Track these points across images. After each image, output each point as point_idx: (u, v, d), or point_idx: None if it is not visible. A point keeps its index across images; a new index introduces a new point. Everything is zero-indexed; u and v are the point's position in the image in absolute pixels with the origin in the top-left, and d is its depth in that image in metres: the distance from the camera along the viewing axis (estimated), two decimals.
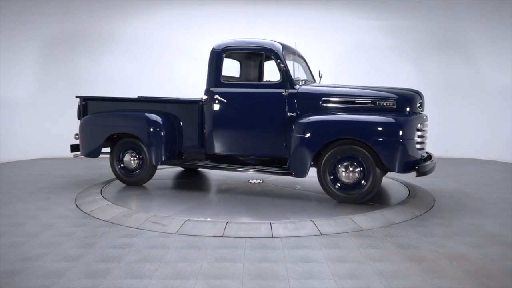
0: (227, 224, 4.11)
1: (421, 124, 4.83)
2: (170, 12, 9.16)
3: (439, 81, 9.22)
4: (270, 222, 4.14)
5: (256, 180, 6.15)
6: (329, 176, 4.88)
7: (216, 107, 5.49)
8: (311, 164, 4.88)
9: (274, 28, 8.71)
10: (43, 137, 8.96)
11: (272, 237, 3.89)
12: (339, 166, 4.83)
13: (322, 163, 4.87)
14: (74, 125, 9.04)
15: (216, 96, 5.47)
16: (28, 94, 8.93)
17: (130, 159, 5.88)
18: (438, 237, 3.89)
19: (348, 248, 3.61)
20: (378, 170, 4.67)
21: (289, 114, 5.08)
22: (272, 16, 9.02)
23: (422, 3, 9.09)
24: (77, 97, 6.30)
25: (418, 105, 4.95)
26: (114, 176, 6.17)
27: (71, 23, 9.04)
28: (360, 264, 3.27)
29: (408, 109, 4.83)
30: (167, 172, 7.02)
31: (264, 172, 5.23)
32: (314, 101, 5.06)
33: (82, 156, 6.22)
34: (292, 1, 9.04)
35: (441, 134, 9.08)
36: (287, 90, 5.09)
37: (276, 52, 5.25)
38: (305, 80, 5.60)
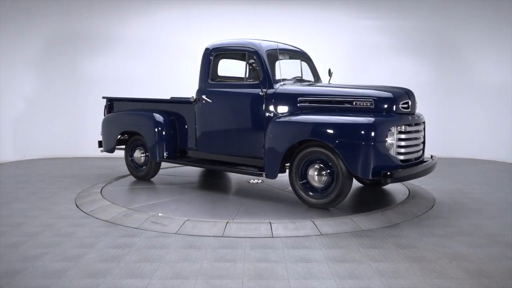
0: (227, 224, 4.12)
1: (405, 125, 4.51)
2: (171, 12, 9.16)
3: (439, 80, 9.22)
4: (270, 222, 4.15)
5: (256, 180, 6.15)
6: (299, 179, 4.72)
7: (203, 107, 5.58)
8: (281, 166, 4.77)
9: (274, 28, 8.71)
10: (43, 137, 8.96)
11: (272, 237, 3.89)
12: (309, 169, 4.64)
13: (293, 165, 4.73)
14: (74, 125, 9.11)
15: (203, 96, 5.55)
16: (28, 94, 8.92)
17: (139, 155, 6.27)
18: (438, 237, 3.89)
19: (348, 248, 3.61)
20: (345, 174, 4.39)
21: (267, 114, 4.99)
22: (272, 16, 9.02)
23: (422, 3, 9.09)
24: (103, 97, 6.76)
25: (404, 105, 4.61)
26: (113, 177, 6.48)
27: (71, 24, 9.03)
28: (360, 264, 3.27)
29: (387, 109, 4.50)
30: (186, 170, 7.07)
31: (241, 172, 5.28)
32: (291, 101, 4.89)
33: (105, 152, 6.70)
34: (292, 1, 9.04)
35: (441, 134, 9.08)
36: (263, 90, 5.00)
37: (255, 51, 5.16)
38: (296, 79, 5.48)
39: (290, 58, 5.83)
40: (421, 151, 4.93)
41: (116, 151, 6.57)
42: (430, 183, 6.13)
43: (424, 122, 5.01)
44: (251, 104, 5.13)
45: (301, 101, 4.86)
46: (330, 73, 6.01)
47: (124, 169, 7.27)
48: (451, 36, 9.14)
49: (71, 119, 9.14)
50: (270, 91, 4.99)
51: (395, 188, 5.70)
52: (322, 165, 4.58)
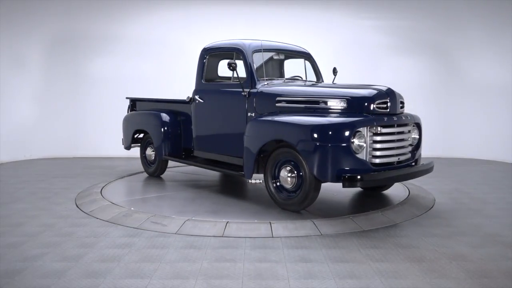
0: (227, 224, 4.12)
1: (381, 126, 4.26)
2: (171, 12, 9.14)
3: (439, 80, 9.21)
4: (270, 222, 4.15)
5: (257, 180, 6.14)
6: (272, 179, 4.67)
7: (196, 106, 5.70)
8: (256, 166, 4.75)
9: (274, 28, 8.72)
10: (43, 137, 8.96)
11: (272, 237, 3.89)
12: (281, 169, 4.56)
13: (267, 165, 4.69)
14: (74, 125, 9.11)
15: (196, 96, 5.66)
16: (28, 94, 8.91)
17: (150, 153, 6.57)
18: (438, 237, 3.88)
19: (348, 248, 3.61)
20: (310, 176, 4.23)
21: (249, 114, 4.98)
22: (272, 16, 9.01)
23: (422, 3, 9.09)
24: (127, 98, 7.16)
25: (382, 105, 4.38)
26: (112, 178, 6.56)
27: (71, 24, 9.02)
28: (360, 264, 3.27)
29: (361, 109, 4.32)
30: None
31: (221, 171, 5.38)
32: (270, 101, 4.84)
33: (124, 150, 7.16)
34: (292, 1, 9.04)
35: (441, 134, 9.08)
36: (245, 90, 4.99)
37: (241, 51, 5.17)
38: (287, 79, 5.46)
39: (287, 57, 5.83)
40: (410, 154, 4.67)
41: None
42: (430, 183, 6.13)
43: (417, 124, 4.80)
44: (236, 104, 5.14)
45: (278, 101, 4.81)
46: (335, 72, 5.96)
47: (124, 169, 7.32)
48: (451, 36, 9.13)
49: (71, 119, 9.14)
50: (253, 91, 4.99)
51: (395, 188, 5.69)
52: (292, 167, 4.46)
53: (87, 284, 2.93)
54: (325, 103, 4.52)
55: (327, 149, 4.05)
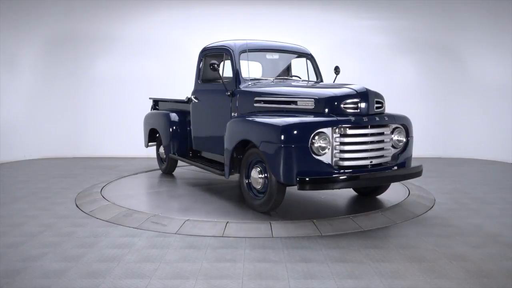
0: (227, 224, 4.12)
1: (349, 128, 4.07)
2: (171, 12, 9.14)
3: (439, 80, 9.21)
4: (270, 222, 4.15)
5: None
6: (245, 179, 4.65)
7: (193, 106, 5.85)
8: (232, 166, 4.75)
9: (274, 28, 8.72)
10: (43, 137, 8.96)
11: (272, 237, 3.89)
12: (252, 170, 4.52)
13: (241, 164, 4.68)
14: (74, 125, 9.11)
15: (192, 96, 5.81)
16: (28, 94, 8.92)
17: (162, 151, 6.78)
18: (438, 237, 3.88)
19: (348, 248, 3.61)
20: (273, 177, 4.16)
21: (232, 114, 5.02)
22: (272, 16, 9.00)
23: (422, 3, 9.08)
24: (150, 98, 7.44)
25: (351, 105, 4.18)
26: (112, 178, 6.61)
27: (71, 24, 9.01)
28: (360, 264, 3.27)
29: (328, 109, 4.18)
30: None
31: (205, 170, 5.51)
32: (249, 101, 4.85)
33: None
34: (293, 1, 9.04)
35: (441, 134, 9.08)
36: (229, 90, 5.04)
37: (229, 51, 5.23)
38: (282, 78, 5.45)
39: (283, 57, 5.82)
40: (390, 157, 4.44)
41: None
42: (430, 183, 6.13)
43: (403, 125, 4.53)
44: (223, 104, 5.19)
45: (257, 101, 4.80)
46: (337, 71, 5.89)
47: (124, 169, 7.32)
48: (451, 36, 9.13)
49: (71, 119, 9.14)
50: (236, 91, 5.04)
51: (395, 188, 5.69)
52: (261, 168, 4.42)
53: (87, 284, 2.93)
54: (295, 103, 4.49)
55: (286, 150, 3.93)
